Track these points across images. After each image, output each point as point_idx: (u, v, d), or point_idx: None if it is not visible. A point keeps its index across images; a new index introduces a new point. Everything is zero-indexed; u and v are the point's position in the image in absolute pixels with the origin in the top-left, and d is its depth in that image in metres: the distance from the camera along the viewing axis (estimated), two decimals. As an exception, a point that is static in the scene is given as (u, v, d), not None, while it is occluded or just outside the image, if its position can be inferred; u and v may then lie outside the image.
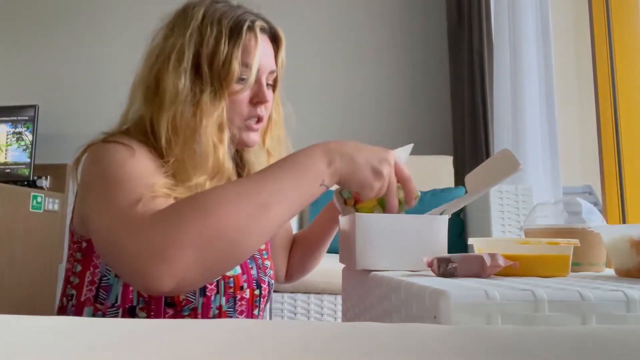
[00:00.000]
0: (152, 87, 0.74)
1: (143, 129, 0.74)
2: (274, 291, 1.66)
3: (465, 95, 2.33)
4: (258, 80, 0.78)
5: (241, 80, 0.76)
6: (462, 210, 2.01)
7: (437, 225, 0.64)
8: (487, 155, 2.14)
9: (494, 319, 0.39)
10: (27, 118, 2.62)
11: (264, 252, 0.86)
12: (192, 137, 0.72)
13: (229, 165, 0.75)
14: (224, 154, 0.74)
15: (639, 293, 0.41)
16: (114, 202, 0.61)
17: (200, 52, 0.74)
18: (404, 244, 0.62)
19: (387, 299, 0.53)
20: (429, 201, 2.00)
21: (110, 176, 0.65)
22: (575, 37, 2.23)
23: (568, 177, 1.98)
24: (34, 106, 2.63)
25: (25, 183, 2.49)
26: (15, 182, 2.44)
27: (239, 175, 0.87)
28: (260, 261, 0.84)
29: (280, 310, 1.66)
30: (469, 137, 2.29)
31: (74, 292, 0.75)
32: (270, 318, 1.67)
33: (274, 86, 0.85)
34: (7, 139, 2.63)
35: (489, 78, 2.17)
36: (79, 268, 0.75)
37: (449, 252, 0.64)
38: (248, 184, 0.60)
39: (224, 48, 0.74)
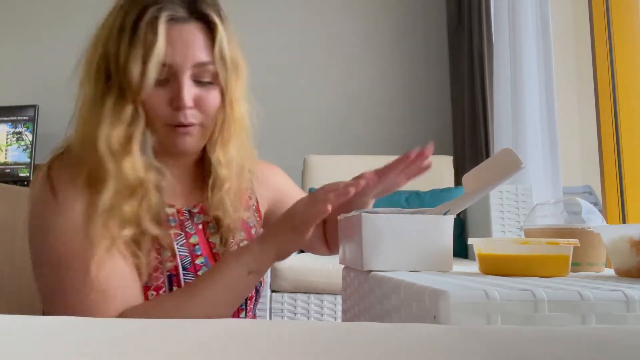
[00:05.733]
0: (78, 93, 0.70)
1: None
2: (274, 291, 1.66)
3: (465, 95, 2.33)
4: (176, 79, 0.68)
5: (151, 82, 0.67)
6: (462, 210, 2.01)
7: (443, 225, 0.64)
8: (487, 156, 2.14)
9: (494, 319, 0.39)
10: (27, 118, 2.63)
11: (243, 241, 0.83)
12: (95, 149, 0.66)
13: (145, 176, 0.67)
14: (134, 165, 0.66)
15: (638, 293, 0.41)
16: (68, 298, 0.65)
17: (107, 53, 0.67)
18: (410, 244, 0.62)
19: (387, 299, 0.53)
20: (429, 201, 2.00)
21: (54, 254, 0.65)
22: (575, 37, 2.23)
23: (568, 177, 1.98)
24: (34, 106, 2.63)
25: (25, 183, 2.49)
26: (15, 182, 2.44)
27: (202, 180, 0.78)
28: None
29: (280, 310, 1.66)
30: (469, 137, 2.29)
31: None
32: (270, 318, 1.67)
33: (219, 84, 0.71)
34: (7, 139, 2.63)
35: (489, 78, 2.17)
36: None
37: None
38: (185, 297, 0.67)
39: (123, 47, 0.66)
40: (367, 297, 0.62)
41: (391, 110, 2.69)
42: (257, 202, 0.88)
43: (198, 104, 0.70)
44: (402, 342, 0.25)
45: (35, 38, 2.95)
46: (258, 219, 0.87)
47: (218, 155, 0.74)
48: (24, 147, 2.60)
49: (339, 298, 1.62)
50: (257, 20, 2.75)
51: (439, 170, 2.24)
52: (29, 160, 2.58)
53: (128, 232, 0.66)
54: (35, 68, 2.91)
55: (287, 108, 2.70)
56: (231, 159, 0.75)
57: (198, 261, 0.74)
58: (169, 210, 0.75)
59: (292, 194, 0.93)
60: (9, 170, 2.59)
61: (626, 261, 0.59)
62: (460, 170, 2.33)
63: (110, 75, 0.67)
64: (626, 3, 1.82)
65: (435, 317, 0.40)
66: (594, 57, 1.87)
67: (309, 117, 2.70)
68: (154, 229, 0.69)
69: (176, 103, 0.68)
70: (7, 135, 2.63)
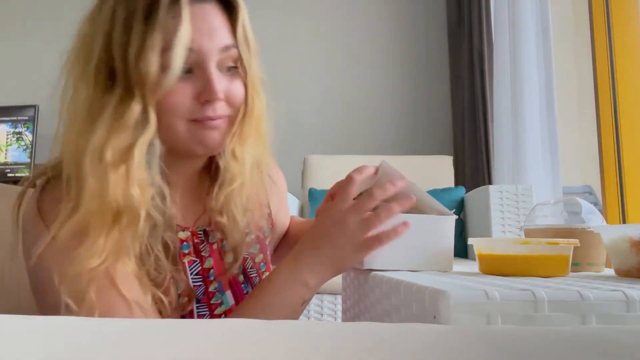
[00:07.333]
0: (62, 99, 0.59)
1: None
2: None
3: (465, 95, 2.33)
4: (203, 68, 0.58)
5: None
6: (462, 210, 2.01)
7: (444, 225, 0.63)
8: (487, 155, 2.14)
9: (494, 319, 0.39)
10: (27, 118, 2.63)
11: (262, 264, 0.75)
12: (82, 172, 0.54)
13: (140, 197, 0.55)
14: (128, 180, 0.54)
15: (638, 293, 0.41)
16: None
17: (111, 44, 0.55)
18: (411, 244, 0.62)
19: (387, 299, 0.53)
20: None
21: (48, 276, 0.55)
22: (575, 37, 2.24)
23: (568, 177, 1.99)
24: (34, 106, 2.63)
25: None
26: (15, 182, 2.44)
27: (209, 185, 0.68)
28: (257, 280, 0.73)
29: (280, 310, 1.66)
30: (469, 137, 2.29)
31: None
32: (270, 318, 1.66)
33: (241, 68, 0.62)
34: (7, 139, 2.63)
35: (489, 78, 2.17)
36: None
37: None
38: None
39: (135, 36, 0.54)
40: (367, 297, 0.62)
41: (391, 110, 2.69)
42: (270, 210, 0.79)
43: (226, 95, 0.61)
44: (402, 342, 0.25)
45: (35, 38, 2.95)
46: (271, 226, 0.80)
47: (234, 149, 0.63)
48: (24, 147, 2.60)
49: (339, 298, 1.62)
50: (256, 20, 2.75)
51: (439, 170, 2.24)
52: (29, 160, 2.58)
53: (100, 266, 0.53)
54: (35, 68, 2.91)
55: (287, 108, 2.69)
56: (247, 156, 0.65)
57: (211, 287, 0.67)
58: (183, 235, 0.66)
59: (283, 208, 0.86)
60: (9, 170, 2.59)
61: (626, 261, 0.59)
62: (460, 170, 2.33)
63: (113, 72, 0.56)
64: (626, 3, 1.82)
65: (435, 317, 0.40)
66: (594, 57, 1.87)
67: (309, 117, 2.70)
68: (131, 266, 0.57)
69: (206, 96, 0.58)
70: (7, 135, 2.63)
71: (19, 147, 2.61)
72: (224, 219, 0.65)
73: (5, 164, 2.61)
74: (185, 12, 0.55)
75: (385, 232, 0.60)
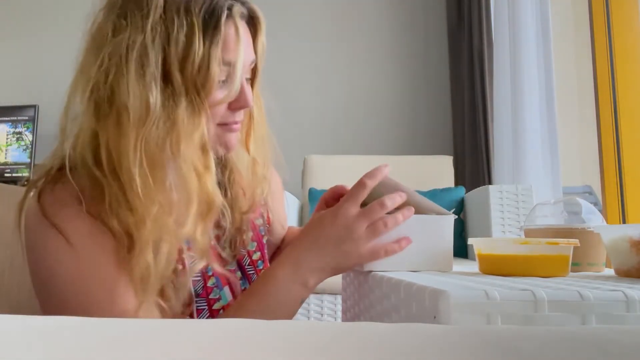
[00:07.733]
0: (105, 98, 0.56)
1: (86, 160, 0.58)
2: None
3: (465, 95, 2.33)
4: (237, 79, 0.63)
5: (220, 84, 0.60)
6: (462, 210, 2.01)
7: (444, 225, 0.63)
8: (487, 155, 2.14)
9: (494, 319, 0.39)
10: (27, 118, 2.63)
11: (259, 261, 0.77)
12: (164, 171, 0.57)
13: (218, 196, 0.61)
14: (213, 182, 0.60)
15: (638, 293, 0.41)
16: None
17: (167, 52, 0.57)
18: (411, 244, 0.62)
19: (387, 298, 0.53)
20: (429, 201, 1.99)
21: (63, 290, 0.57)
22: (575, 37, 2.24)
23: (568, 177, 1.99)
24: (34, 106, 2.63)
25: (26, 183, 2.50)
26: (15, 182, 2.44)
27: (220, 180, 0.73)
28: (254, 277, 0.75)
29: (280, 310, 1.65)
30: (469, 137, 2.29)
31: None
32: (270, 318, 1.66)
33: (252, 78, 0.69)
34: (7, 139, 2.63)
35: (489, 78, 2.17)
36: None
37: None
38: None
39: (198, 47, 0.56)
40: (367, 297, 0.62)
41: (391, 110, 2.69)
42: (268, 210, 0.82)
43: None
44: (402, 342, 0.25)
45: (35, 38, 2.95)
46: (268, 225, 0.82)
47: (248, 148, 0.71)
48: (24, 147, 2.61)
49: (339, 298, 1.62)
50: (257, 20, 2.75)
51: (439, 170, 2.24)
52: (29, 160, 2.58)
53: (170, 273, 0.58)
54: (35, 68, 2.91)
55: (287, 108, 2.69)
56: (256, 155, 0.72)
57: (210, 283, 0.68)
58: None
59: (280, 209, 0.87)
60: (8, 170, 2.59)
61: (626, 261, 0.59)
62: (460, 170, 2.33)
63: (169, 78, 0.57)
64: (626, 3, 1.82)
65: (435, 317, 0.40)
66: (594, 57, 1.87)
67: (309, 117, 2.70)
68: (216, 264, 0.64)
69: (238, 104, 0.63)
70: (7, 135, 2.63)
71: (19, 147, 2.61)
72: (251, 216, 0.73)
73: (5, 164, 2.61)
74: (241, 30, 0.61)
75: (391, 244, 0.62)
